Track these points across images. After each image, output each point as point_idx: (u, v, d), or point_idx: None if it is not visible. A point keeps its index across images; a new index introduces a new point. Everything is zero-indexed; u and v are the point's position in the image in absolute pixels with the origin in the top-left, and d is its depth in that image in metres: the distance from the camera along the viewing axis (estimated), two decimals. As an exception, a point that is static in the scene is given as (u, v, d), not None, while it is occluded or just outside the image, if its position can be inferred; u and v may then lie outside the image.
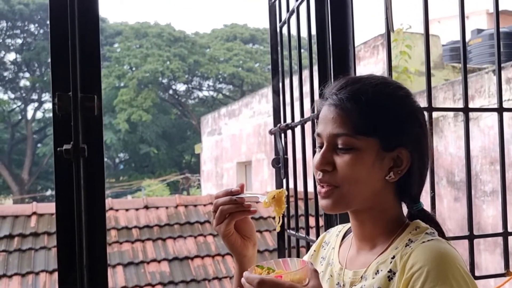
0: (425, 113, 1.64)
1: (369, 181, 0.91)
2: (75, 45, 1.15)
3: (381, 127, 0.90)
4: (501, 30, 1.77)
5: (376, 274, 0.90)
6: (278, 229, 1.09)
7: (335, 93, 0.94)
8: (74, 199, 1.13)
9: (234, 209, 1.02)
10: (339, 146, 0.91)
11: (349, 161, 0.90)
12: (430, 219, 0.97)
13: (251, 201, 1.04)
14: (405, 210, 0.99)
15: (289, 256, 1.96)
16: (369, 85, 0.93)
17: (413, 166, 0.93)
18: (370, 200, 0.93)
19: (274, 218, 1.06)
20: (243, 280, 0.85)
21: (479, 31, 7.04)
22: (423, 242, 0.87)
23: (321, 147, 0.95)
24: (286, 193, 1.05)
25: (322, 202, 0.95)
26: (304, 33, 1.77)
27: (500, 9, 1.78)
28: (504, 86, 3.38)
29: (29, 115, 23.96)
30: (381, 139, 0.90)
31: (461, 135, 4.18)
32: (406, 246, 0.89)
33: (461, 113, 4.13)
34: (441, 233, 0.95)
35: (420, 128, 0.95)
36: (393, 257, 0.89)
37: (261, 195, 1.05)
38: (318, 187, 0.95)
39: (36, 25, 23.24)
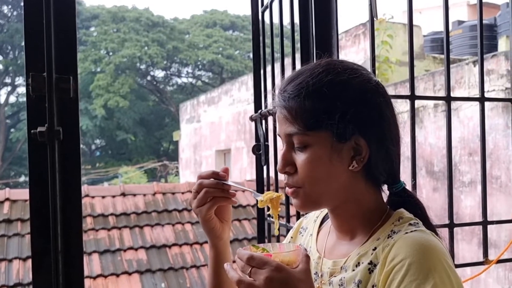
0: (408, 101, 1.64)
1: (332, 177, 0.88)
2: (50, 22, 1.10)
3: (327, 118, 0.86)
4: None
5: (356, 266, 0.88)
6: (276, 232, 1.05)
7: (280, 93, 0.91)
8: (49, 183, 1.09)
9: (219, 193, 1.00)
10: (296, 145, 0.89)
11: (306, 160, 0.88)
12: (414, 202, 0.94)
13: (235, 190, 1.02)
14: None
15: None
16: (311, 76, 0.88)
17: (374, 150, 0.88)
18: (341, 194, 0.90)
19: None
20: (236, 256, 0.84)
21: (460, 22, 7.09)
22: (406, 233, 0.84)
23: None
24: (283, 198, 1.01)
25: (293, 202, 0.94)
26: (287, 19, 1.74)
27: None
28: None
29: (2, 99, 23.43)
30: (332, 131, 0.86)
31: (440, 126, 4.23)
32: (388, 237, 0.87)
33: (440, 104, 4.19)
34: (427, 220, 0.93)
35: (373, 108, 0.88)
36: (375, 249, 0.87)
37: (255, 192, 1.04)
38: (286, 188, 0.93)
39: (10, 6, 22.62)
